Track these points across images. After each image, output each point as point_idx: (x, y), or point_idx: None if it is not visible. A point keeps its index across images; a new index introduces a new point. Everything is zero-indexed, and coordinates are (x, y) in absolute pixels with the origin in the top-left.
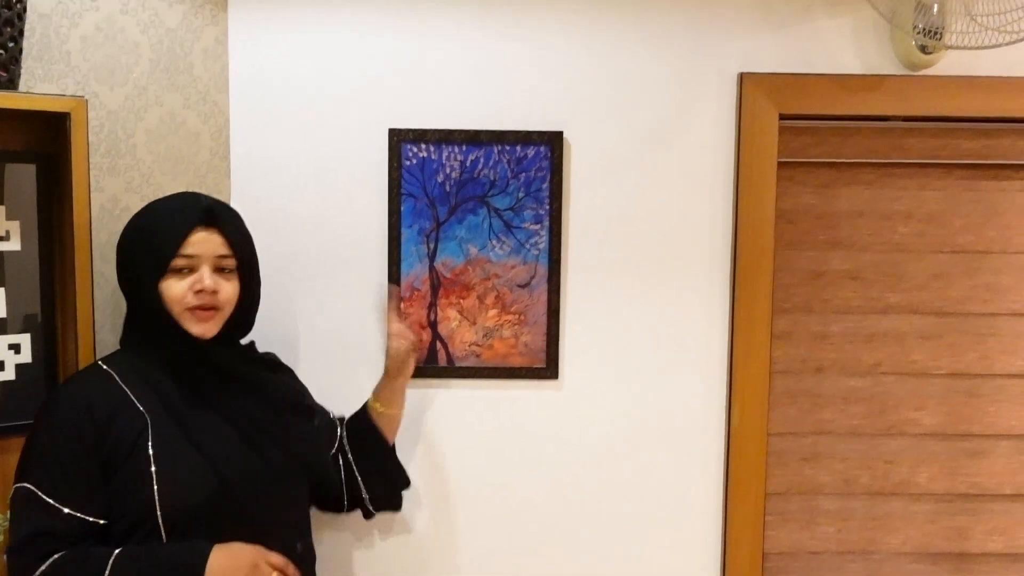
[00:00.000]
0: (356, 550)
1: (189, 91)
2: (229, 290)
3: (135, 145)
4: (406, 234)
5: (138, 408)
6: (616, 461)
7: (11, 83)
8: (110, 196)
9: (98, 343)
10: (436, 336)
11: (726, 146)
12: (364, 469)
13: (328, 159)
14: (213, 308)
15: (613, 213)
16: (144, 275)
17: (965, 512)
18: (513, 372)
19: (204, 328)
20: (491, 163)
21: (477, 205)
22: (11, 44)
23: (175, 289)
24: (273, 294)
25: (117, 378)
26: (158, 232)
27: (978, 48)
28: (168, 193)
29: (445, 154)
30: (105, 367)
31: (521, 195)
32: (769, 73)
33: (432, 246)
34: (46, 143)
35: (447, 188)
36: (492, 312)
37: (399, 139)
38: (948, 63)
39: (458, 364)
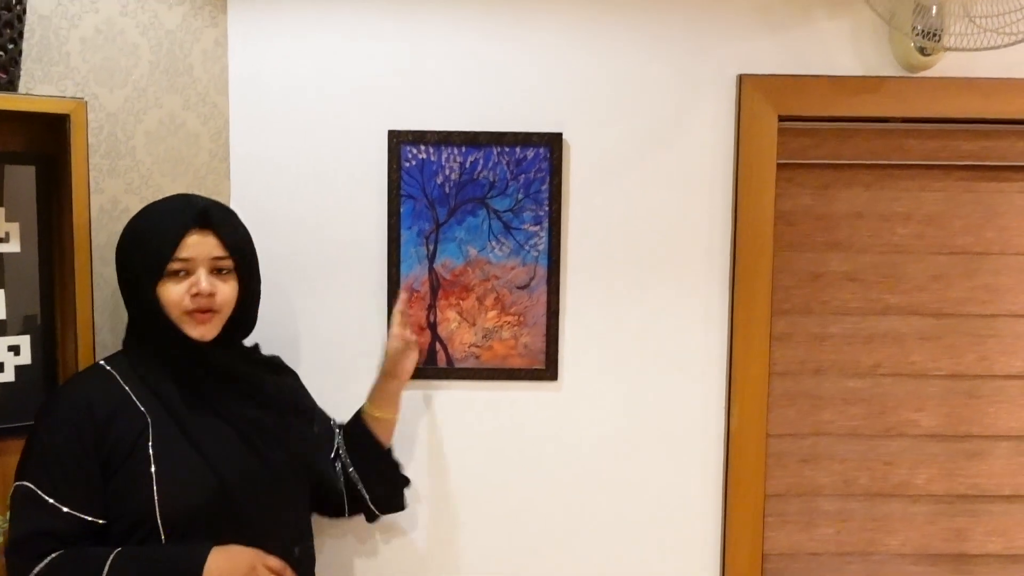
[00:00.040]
0: (356, 552)
1: (189, 93)
2: (227, 292)
3: (135, 147)
4: (405, 235)
5: (139, 408)
6: (615, 463)
7: (11, 85)
8: (110, 197)
9: (97, 344)
10: (435, 337)
11: (725, 147)
12: (363, 473)
13: (327, 160)
14: (211, 310)
15: (612, 214)
16: (141, 280)
17: (964, 513)
18: (512, 373)
19: (203, 331)
20: (490, 164)
21: (476, 206)
22: (11, 46)
23: (172, 293)
24: (272, 296)
25: (119, 378)
26: (153, 237)
27: (977, 50)
28: (168, 194)
29: (444, 155)
30: (107, 367)
31: (520, 196)
32: (768, 75)
33: (431, 247)
34: (46, 145)
35: (446, 189)
36: (491, 313)
37: (398, 140)
38: (947, 65)
39: (457, 365)
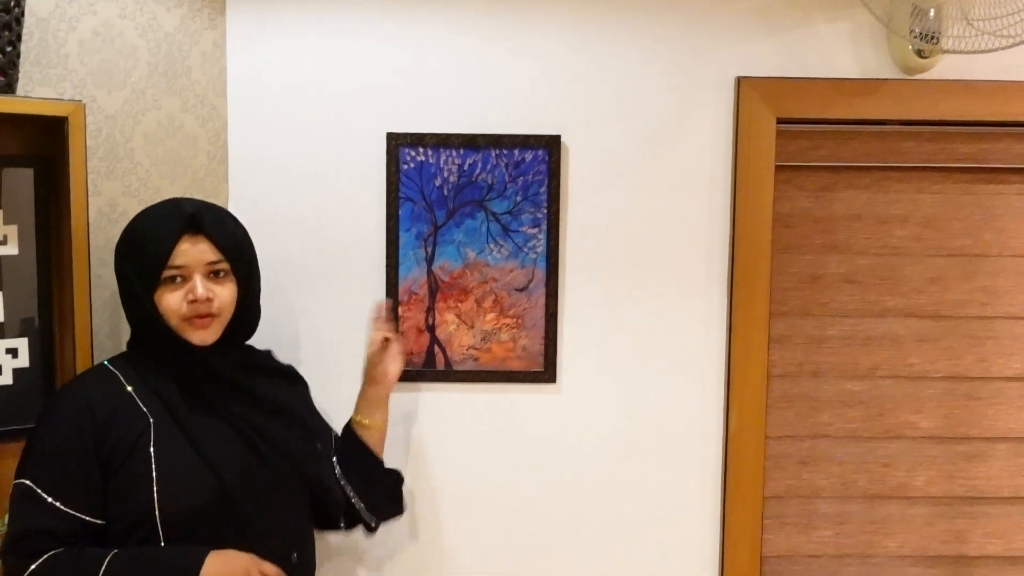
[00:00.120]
0: (356, 552)
1: (187, 95)
2: (225, 295)
3: (133, 149)
4: (404, 238)
5: (141, 409)
6: (614, 465)
7: (9, 87)
8: (108, 200)
9: (96, 347)
10: (434, 340)
11: (723, 150)
12: (355, 482)
13: (326, 163)
14: (210, 315)
15: (611, 217)
16: (138, 288)
17: (963, 515)
18: (511, 376)
19: (203, 335)
20: (489, 167)
21: (475, 209)
22: (9, 48)
23: (169, 300)
24: (271, 297)
25: (121, 378)
26: (145, 245)
27: (974, 52)
28: (166, 197)
29: (443, 158)
30: (111, 368)
31: (519, 199)
32: (766, 77)
33: (430, 250)
34: (44, 147)
35: (445, 192)
36: (490, 316)
37: (397, 143)
38: (945, 67)
39: (456, 368)
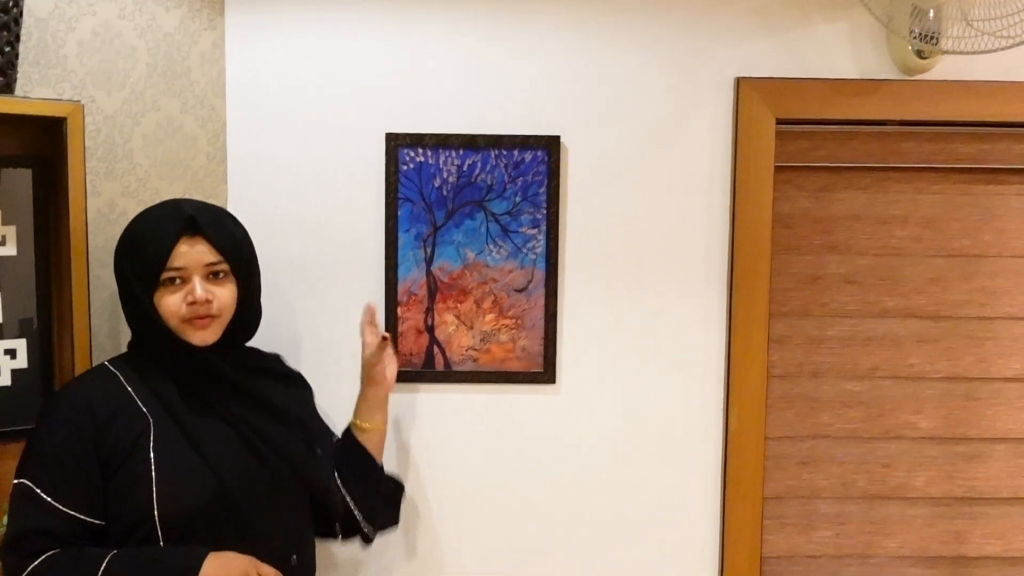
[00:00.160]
0: (357, 553)
1: (186, 95)
2: (224, 296)
3: (132, 149)
4: (403, 238)
5: (141, 409)
6: (614, 466)
7: (8, 88)
8: (107, 200)
9: (94, 348)
10: (433, 340)
11: (723, 150)
12: (352, 488)
13: (325, 163)
14: (210, 316)
15: (610, 217)
16: (137, 289)
17: (962, 516)
18: (510, 376)
19: (204, 336)
20: (488, 167)
21: (474, 209)
22: (7, 49)
23: (169, 302)
24: (270, 298)
25: (122, 379)
26: (144, 247)
27: (974, 53)
28: (165, 197)
29: (442, 158)
30: (111, 368)
31: (518, 199)
32: (766, 78)
33: (429, 250)
34: (42, 148)
35: (444, 192)
36: (489, 316)
37: (396, 143)
38: (944, 68)
39: (455, 369)
